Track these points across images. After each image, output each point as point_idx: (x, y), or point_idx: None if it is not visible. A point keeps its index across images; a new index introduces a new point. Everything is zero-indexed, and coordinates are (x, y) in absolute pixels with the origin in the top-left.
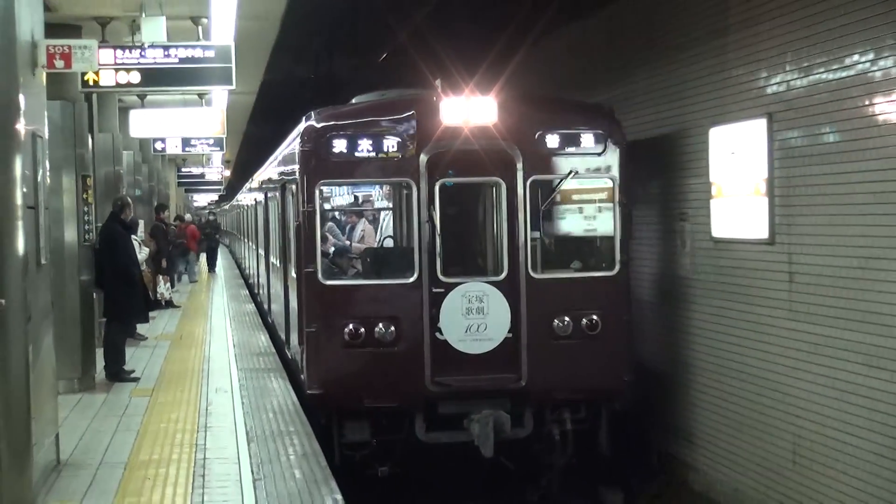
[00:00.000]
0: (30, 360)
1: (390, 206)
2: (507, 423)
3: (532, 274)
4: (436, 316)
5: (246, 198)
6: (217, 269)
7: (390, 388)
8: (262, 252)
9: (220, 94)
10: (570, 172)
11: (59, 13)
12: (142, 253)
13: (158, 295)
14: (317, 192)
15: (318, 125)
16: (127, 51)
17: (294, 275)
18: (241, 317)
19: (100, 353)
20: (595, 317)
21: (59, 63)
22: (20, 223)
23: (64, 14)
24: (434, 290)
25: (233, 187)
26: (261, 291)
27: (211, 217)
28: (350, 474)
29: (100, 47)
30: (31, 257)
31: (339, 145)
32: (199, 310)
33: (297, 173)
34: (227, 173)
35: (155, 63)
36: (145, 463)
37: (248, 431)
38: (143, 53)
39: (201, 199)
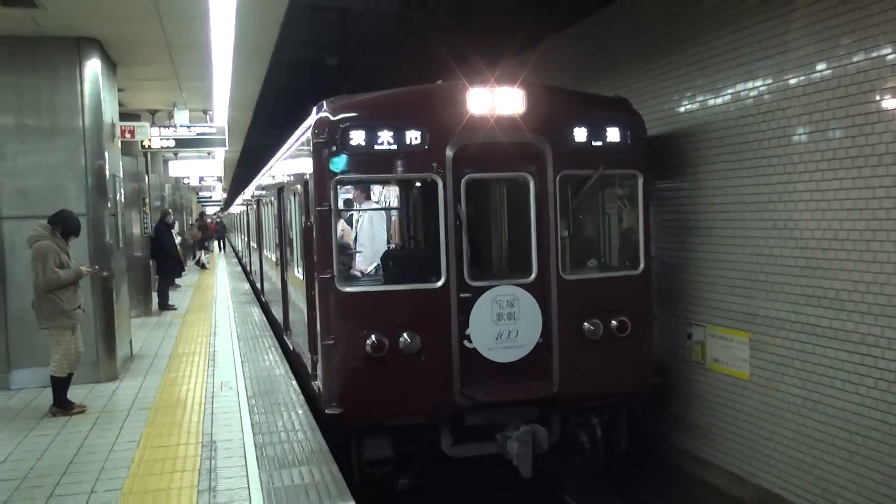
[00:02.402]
0: (114, 299)
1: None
2: (545, 438)
3: (562, 275)
4: (464, 323)
5: (237, 209)
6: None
7: (416, 404)
8: (254, 245)
9: (219, 153)
10: (600, 167)
11: (127, 107)
12: (177, 239)
13: (203, 259)
14: (332, 189)
15: (334, 116)
16: (166, 129)
17: (300, 276)
18: (234, 275)
19: (154, 295)
20: (624, 318)
21: (128, 136)
22: (107, 225)
23: (130, 108)
24: (462, 295)
25: (228, 203)
26: (251, 269)
27: (218, 220)
28: (368, 488)
29: (151, 126)
30: (113, 243)
31: (357, 137)
32: (212, 270)
33: (309, 170)
34: (225, 195)
35: (183, 135)
36: (181, 354)
37: (239, 336)
38: (175, 130)
39: (210, 210)
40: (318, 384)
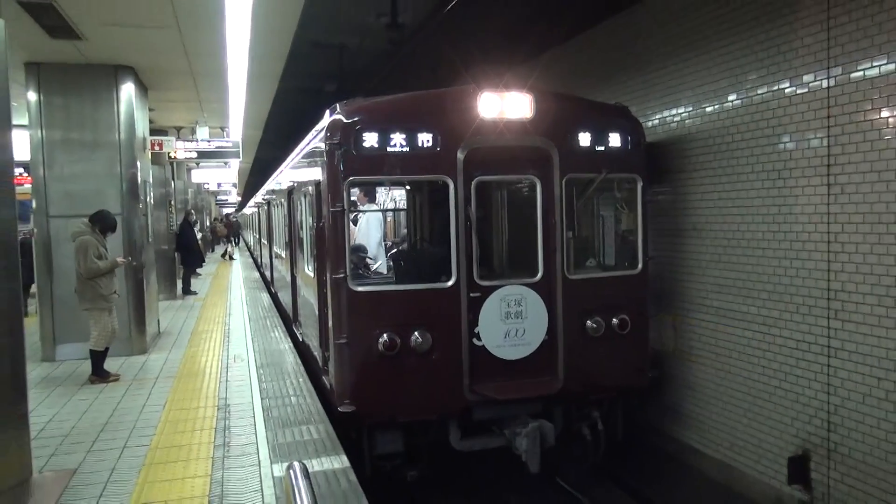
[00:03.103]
0: (144, 285)
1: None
2: (551, 434)
3: (567, 275)
4: (473, 322)
5: (250, 209)
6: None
7: (427, 401)
8: (265, 241)
9: (234, 163)
10: (604, 171)
11: (156, 124)
12: (199, 235)
13: (230, 250)
14: (345, 190)
15: (347, 119)
16: (189, 142)
17: (311, 274)
18: (246, 265)
19: (179, 282)
20: (624, 315)
21: (157, 148)
22: (138, 223)
23: (159, 125)
24: (471, 294)
25: (242, 205)
26: (262, 262)
27: (234, 219)
28: (379, 478)
29: (176, 140)
30: (143, 238)
31: (370, 139)
32: (227, 262)
33: (322, 171)
34: (239, 198)
35: (203, 148)
36: (201, 331)
37: (250, 317)
38: (197, 143)
39: (226, 210)
40: (329, 380)
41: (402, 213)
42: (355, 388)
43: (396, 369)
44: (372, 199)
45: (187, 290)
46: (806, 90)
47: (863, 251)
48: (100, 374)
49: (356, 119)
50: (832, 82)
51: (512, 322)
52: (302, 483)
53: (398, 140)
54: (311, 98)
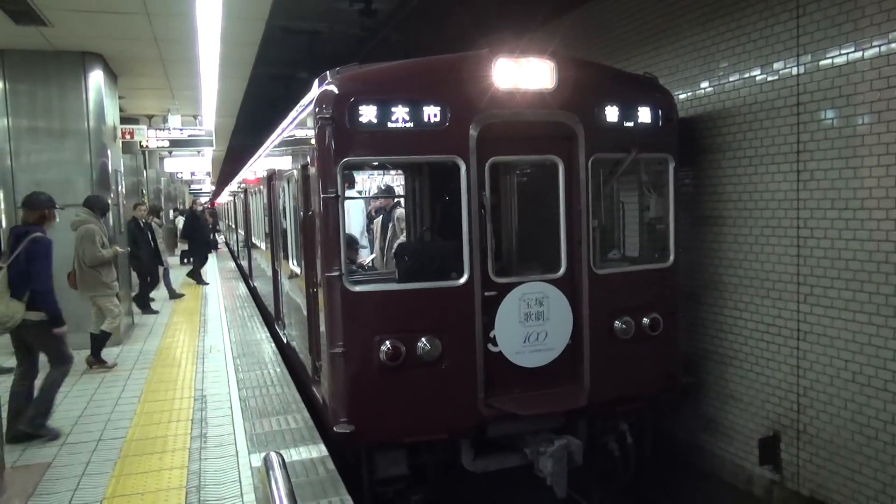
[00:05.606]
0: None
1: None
2: (579, 452)
3: (594, 269)
4: (489, 324)
5: (224, 198)
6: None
7: (436, 417)
8: (241, 232)
9: (208, 151)
10: (633, 151)
11: (127, 112)
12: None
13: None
14: (339, 173)
15: (341, 89)
16: (161, 131)
17: (297, 270)
18: (222, 255)
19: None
20: (656, 315)
21: (128, 136)
22: (110, 212)
23: (130, 113)
24: (486, 293)
25: (216, 193)
26: (238, 252)
27: (210, 209)
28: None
29: (148, 129)
30: (115, 227)
31: (368, 113)
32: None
33: (311, 151)
34: (213, 187)
35: (176, 137)
36: (176, 322)
37: (226, 307)
38: (169, 132)
39: (202, 200)
40: (321, 394)
41: (385, 199)
42: (353, 405)
43: (401, 382)
44: (351, 185)
45: (200, 281)
46: (776, 77)
47: (831, 236)
48: (99, 358)
49: (351, 89)
50: (801, 70)
51: (532, 324)
52: (279, 473)
53: (400, 114)
54: (285, 85)
